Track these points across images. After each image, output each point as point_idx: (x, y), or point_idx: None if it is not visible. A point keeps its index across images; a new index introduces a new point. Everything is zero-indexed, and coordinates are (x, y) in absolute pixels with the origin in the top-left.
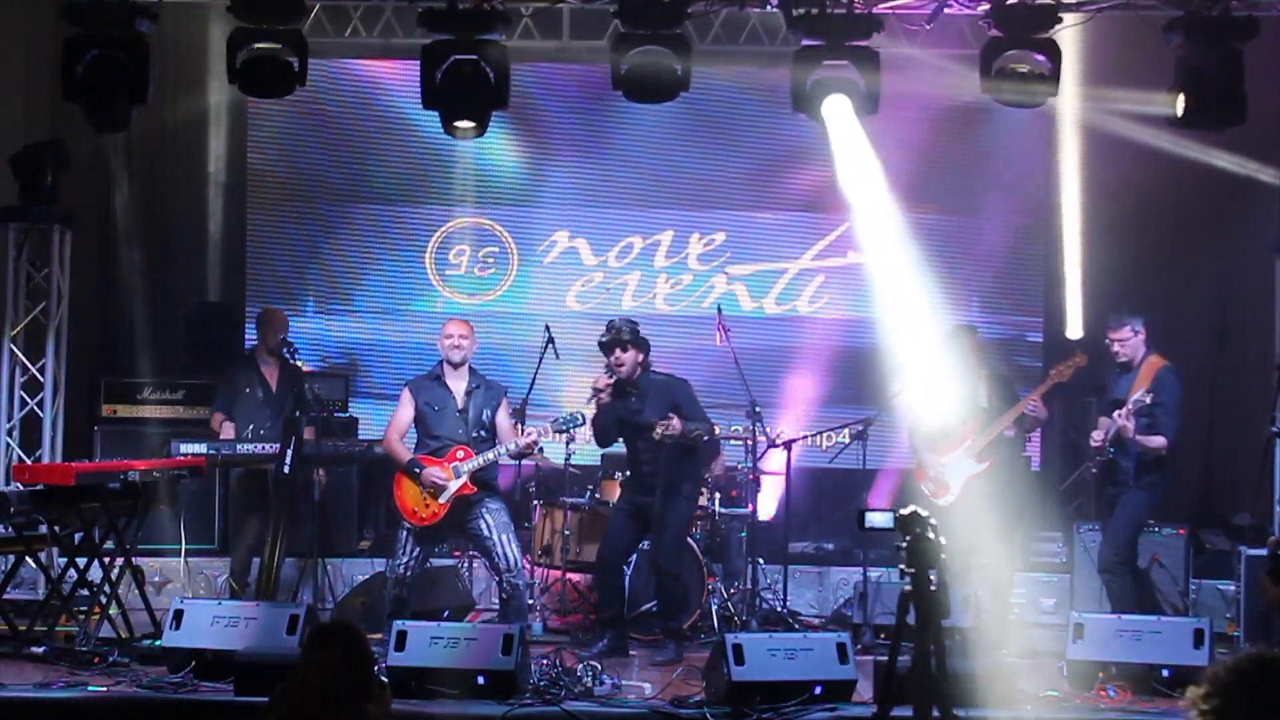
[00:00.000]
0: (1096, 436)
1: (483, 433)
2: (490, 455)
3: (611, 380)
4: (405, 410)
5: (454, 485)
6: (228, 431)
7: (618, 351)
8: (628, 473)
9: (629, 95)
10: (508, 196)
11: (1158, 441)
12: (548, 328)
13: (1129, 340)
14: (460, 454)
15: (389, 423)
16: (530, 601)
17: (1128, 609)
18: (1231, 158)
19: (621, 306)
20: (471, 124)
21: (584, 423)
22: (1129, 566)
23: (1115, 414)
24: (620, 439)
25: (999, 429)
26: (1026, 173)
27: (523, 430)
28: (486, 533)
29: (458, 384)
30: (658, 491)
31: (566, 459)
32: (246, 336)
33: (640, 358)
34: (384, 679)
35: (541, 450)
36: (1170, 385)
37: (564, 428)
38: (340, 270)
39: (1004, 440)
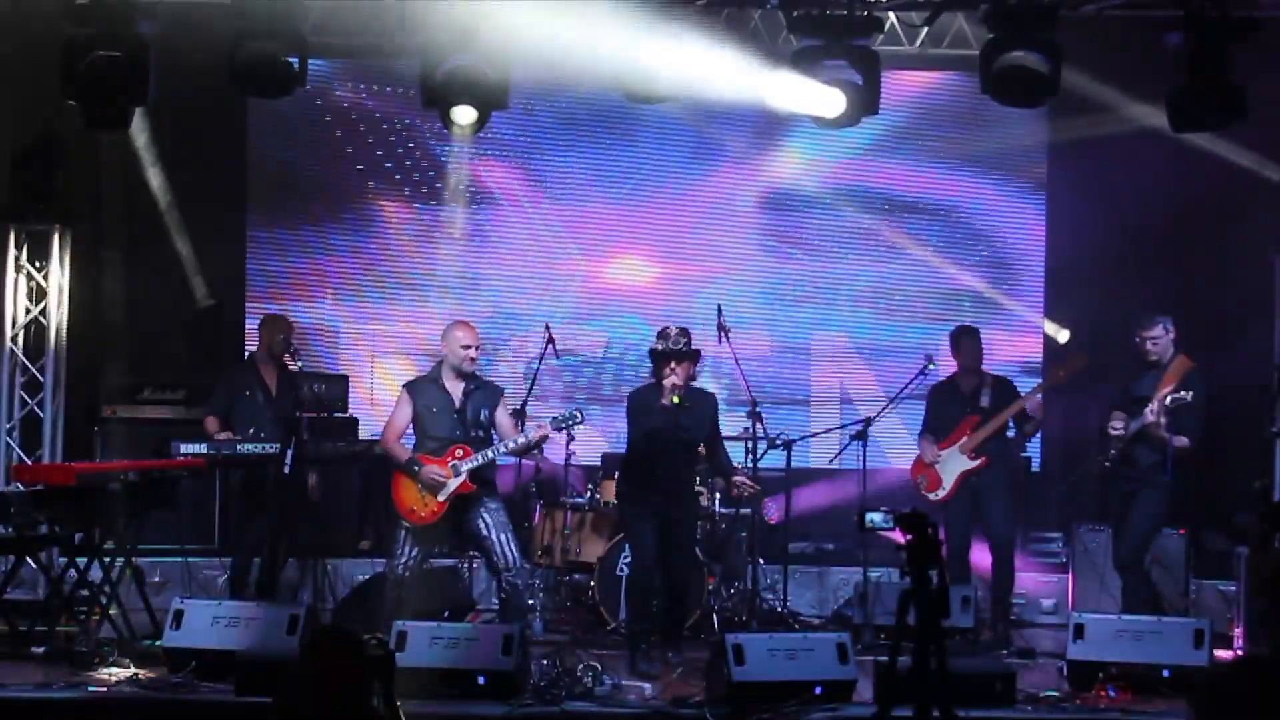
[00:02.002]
0: (1116, 426)
1: (480, 433)
2: (489, 454)
3: (682, 384)
4: (403, 411)
5: (453, 484)
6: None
7: (672, 362)
8: (652, 482)
9: (629, 96)
10: (507, 197)
11: (1181, 441)
12: (548, 327)
13: (1161, 339)
14: (459, 452)
15: (387, 423)
16: (530, 602)
17: (1140, 607)
18: (1232, 158)
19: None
20: (470, 121)
21: (583, 421)
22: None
23: (1148, 409)
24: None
25: (994, 427)
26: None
27: (523, 428)
28: (485, 532)
29: (455, 385)
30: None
31: (567, 459)
32: (247, 335)
33: (692, 370)
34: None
35: (541, 450)
36: (1199, 387)
37: (563, 425)
38: (339, 271)
39: (1001, 439)
